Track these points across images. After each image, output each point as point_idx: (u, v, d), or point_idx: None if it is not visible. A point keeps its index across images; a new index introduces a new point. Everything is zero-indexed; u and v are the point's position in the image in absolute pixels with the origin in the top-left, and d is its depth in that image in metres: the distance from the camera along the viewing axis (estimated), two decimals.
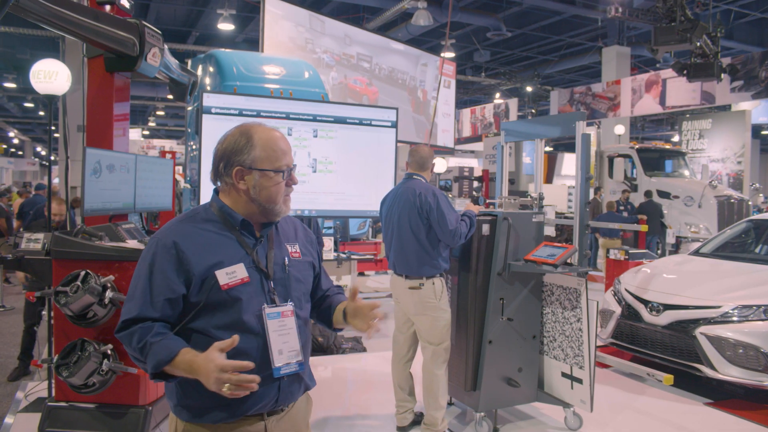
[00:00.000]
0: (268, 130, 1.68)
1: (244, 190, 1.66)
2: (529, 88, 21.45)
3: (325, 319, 1.90)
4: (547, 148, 22.99)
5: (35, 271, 4.28)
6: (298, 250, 1.79)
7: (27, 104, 25.40)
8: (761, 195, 15.08)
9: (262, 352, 1.61)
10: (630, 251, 6.35)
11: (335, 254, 6.49)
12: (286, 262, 1.73)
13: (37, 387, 4.33)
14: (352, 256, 6.74)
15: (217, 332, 1.57)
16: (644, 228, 5.71)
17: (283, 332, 1.64)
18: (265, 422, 1.66)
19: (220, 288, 1.58)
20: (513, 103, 20.31)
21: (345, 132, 5.29)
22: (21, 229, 5.42)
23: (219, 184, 1.71)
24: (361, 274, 9.60)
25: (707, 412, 4.33)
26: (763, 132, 23.47)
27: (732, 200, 11.45)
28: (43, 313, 4.36)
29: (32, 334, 4.99)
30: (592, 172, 12.67)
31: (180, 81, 5.28)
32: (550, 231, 10.74)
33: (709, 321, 4.46)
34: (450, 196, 16.65)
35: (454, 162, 22.63)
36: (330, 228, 7.74)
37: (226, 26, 14.14)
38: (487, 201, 5.34)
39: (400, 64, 15.79)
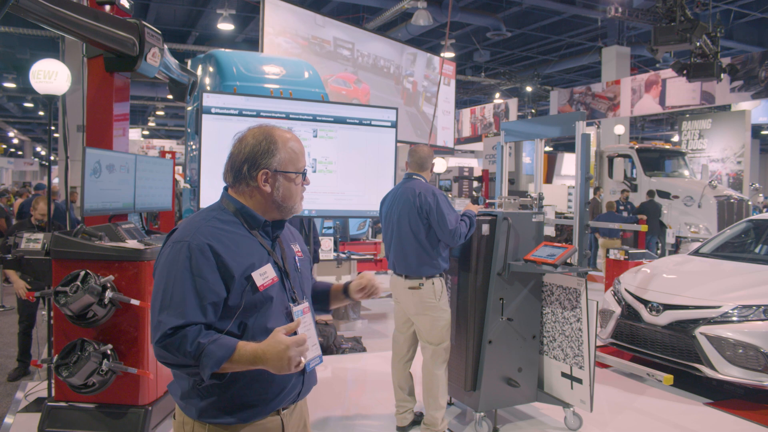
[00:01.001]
0: (285, 132, 1.73)
1: (268, 193, 1.68)
2: (529, 88, 21.46)
3: (319, 305, 1.98)
4: (547, 148, 22.99)
5: (35, 271, 4.27)
6: (300, 250, 1.86)
7: (27, 104, 25.41)
8: (761, 195, 15.08)
9: None
10: (630, 251, 6.35)
11: (335, 254, 6.49)
12: (297, 262, 1.80)
13: (37, 387, 4.33)
14: (352, 256, 6.74)
15: (254, 333, 1.60)
16: (644, 228, 5.72)
17: (306, 328, 1.69)
18: (281, 416, 1.70)
19: (257, 289, 1.60)
20: (513, 103, 20.31)
21: (345, 132, 5.29)
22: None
23: (238, 185, 1.70)
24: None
25: (707, 412, 4.33)
26: (763, 132, 23.48)
27: (732, 200, 11.46)
28: (43, 313, 4.36)
29: (28, 335, 4.98)
30: (591, 172, 12.67)
31: (180, 81, 5.28)
32: (550, 231, 10.74)
33: (708, 321, 4.46)
34: (450, 196, 16.65)
35: (454, 162, 22.62)
36: (330, 228, 7.74)
37: (226, 26, 14.14)
38: (487, 201, 5.34)
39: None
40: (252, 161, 1.67)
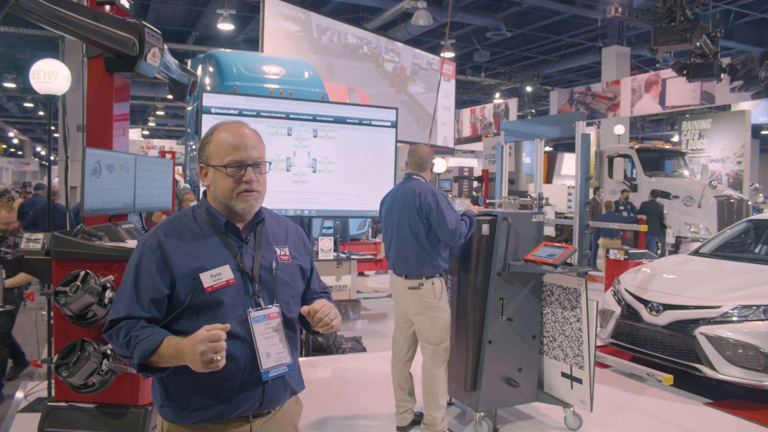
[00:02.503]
0: (231, 125, 1.67)
1: (207, 187, 1.70)
2: (528, 88, 21.46)
3: (305, 323, 1.78)
4: (547, 148, 22.99)
5: (35, 271, 4.23)
6: (288, 254, 1.77)
7: (27, 104, 25.42)
8: (761, 195, 15.08)
9: (249, 355, 1.61)
10: (630, 251, 6.35)
11: (335, 254, 6.49)
12: (274, 265, 1.71)
13: (37, 387, 4.33)
14: (352, 256, 6.74)
15: None
16: (644, 228, 5.72)
17: (269, 335, 1.64)
18: (251, 424, 1.65)
19: (204, 290, 1.58)
20: (513, 103, 20.32)
21: (345, 132, 5.29)
22: (21, 229, 5.40)
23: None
24: (361, 274, 9.62)
25: (707, 412, 4.33)
26: (763, 132, 23.48)
27: (732, 200, 11.46)
28: (43, 313, 4.35)
29: (9, 336, 4.90)
30: (591, 172, 12.67)
31: (180, 81, 5.27)
32: (550, 231, 10.74)
33: (708, 321, 4.46)
34: (450, 196, 16.64)
35: (454, 162, 22.62)
36: (330, 228, 7.74)
37: (226, 26, 14.14)
38: (487, 201, 5.34)
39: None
40: (197, 156, 1.70)
